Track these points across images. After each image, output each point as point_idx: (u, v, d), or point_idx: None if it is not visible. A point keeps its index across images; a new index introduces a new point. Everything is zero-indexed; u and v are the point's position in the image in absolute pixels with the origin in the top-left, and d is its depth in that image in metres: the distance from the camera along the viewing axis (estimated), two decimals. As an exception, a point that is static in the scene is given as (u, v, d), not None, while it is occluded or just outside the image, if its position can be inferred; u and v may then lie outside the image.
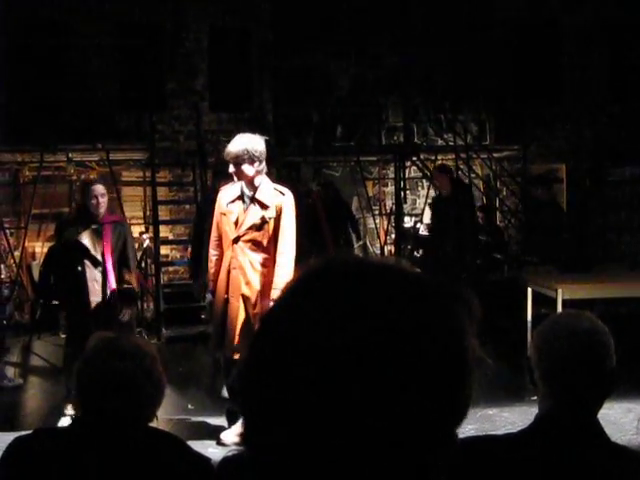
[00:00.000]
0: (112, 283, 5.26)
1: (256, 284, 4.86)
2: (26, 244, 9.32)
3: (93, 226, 5.29)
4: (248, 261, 4.86)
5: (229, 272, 4.89)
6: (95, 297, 5.20)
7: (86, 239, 5.23)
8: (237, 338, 4.89)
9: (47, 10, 9.51)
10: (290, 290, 0.82)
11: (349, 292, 0.76)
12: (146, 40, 9.53)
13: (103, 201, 5.34)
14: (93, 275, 5.23)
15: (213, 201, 5.18)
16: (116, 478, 1.81)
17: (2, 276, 8.84)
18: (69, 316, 5.39)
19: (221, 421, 5.24)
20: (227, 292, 4.92)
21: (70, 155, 9.36)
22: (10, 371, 6.99)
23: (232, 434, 5.09)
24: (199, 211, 5.58)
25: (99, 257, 5.24)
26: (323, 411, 0.73)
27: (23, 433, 2.00)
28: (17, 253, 9.20)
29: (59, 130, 8.86)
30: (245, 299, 4.87)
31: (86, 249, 5.21)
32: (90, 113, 9.30)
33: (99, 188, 5.38)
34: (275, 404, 0.75)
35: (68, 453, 1.82)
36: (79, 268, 5.21)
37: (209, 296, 5.08)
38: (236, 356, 4.93)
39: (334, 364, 0.73)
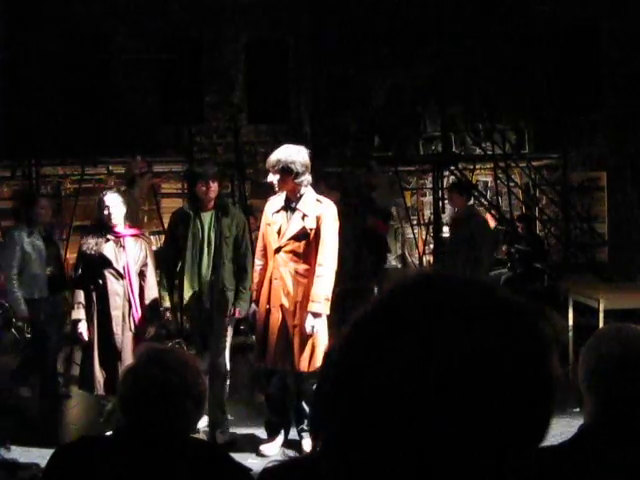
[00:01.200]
0: (134, 297, 5.18)
1: (296, 295, 4.85)
2: (68, 255, 9.44)
3: (111, 238, 5.19)
4: (289, 272, 4.85)
5: (271, 282, 4.90)
6: (116, 311, 5.12)
7: (108, 252, 5.16)
8: (277, 349, 4.89)
9: (87, 25, 9.66)
10: (378, 307, 0.81)
11: (439, 312, 0.75)
12: (185, 54, 9.64)
13: (115, 212, 5.17)
14: (115, 289, 5.14)
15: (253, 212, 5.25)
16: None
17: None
18: (90, 329, 5.31)
19: (260, 432, 5.24)
20: (269, 302, 4.92)
21: (110, 168, 9.49)
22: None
23: (272, 445, 5.09)
24: (172, 233, 5.49)
25: (121, 270, 5.15)
26: (409, 431, 0.72)
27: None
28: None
29: (100, 143, 8.99)
30: (284, 310, 4.87)
31: (108, 262, 5.13)
32: (130, 126, 9.42)
33: (110, 199, 5.21)
34: (361, 421, 0.74)
35: (111, 462, 1.83)
36: (100, 281, 5.15)
37: (253, 306, 5.07)
38: (277, 367, 4.92)
39: (423, 386, 0.72)
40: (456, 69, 10.51)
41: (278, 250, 4.87)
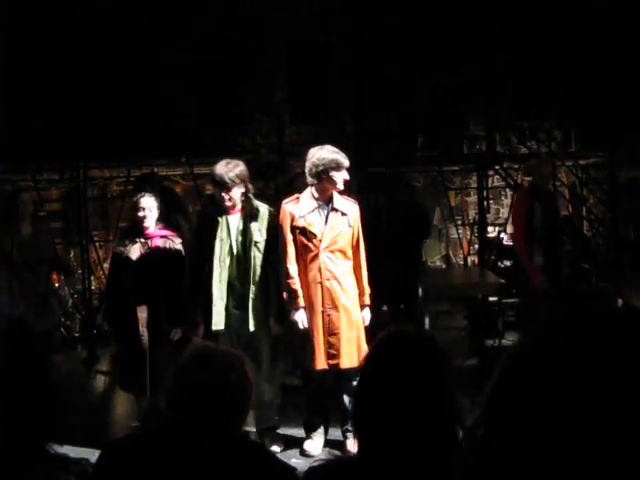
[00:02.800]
0: (161, 300, 5.17)
1: (352, 291, 4.94)
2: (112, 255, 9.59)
3: (140, 240, 5.21)
4: (340, 270, 4.91)
5: (321, 284, 4.89)
6: (142, 313, 5.13)
7: (134, 254, 5.15)
8: (344, 347, 4.89)
9: (130, 29, 9.77)
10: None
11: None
12: (227, 55, 9.70)
13: (150, 214, 5.19)
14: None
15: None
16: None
17: (92, 287, 9.10)
18: (118, 332, 5.33)
19: (296, 431, 5.27)
20: (323, 304, 4.91)
21: (155, 170, 9.59)
22: (100, 380, 7.20)
23: (315, 444, 5.09)
24: (197, 237, 5.32)
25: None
26: None
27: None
28: (106, 265, 9.46)
29: (145, 145, 9.10)
30: (345, 308, 4.90)
31: (135, 263, 5.13)
32: (174, 128, 9.51)
33: (145, 201, 5.23)
34: None
35: (157, 460, 1.85)
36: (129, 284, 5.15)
37: (299, 313, 4.98)
38: (346, 365, 4.90)
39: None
40: (500, 67, 10.40)
41: (323, 251, 4.89)
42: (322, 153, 4.92)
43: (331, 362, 4.91)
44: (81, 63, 9.38)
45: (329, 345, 4.90)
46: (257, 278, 4.98)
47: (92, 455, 3.58)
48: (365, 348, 4.78)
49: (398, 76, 10.58)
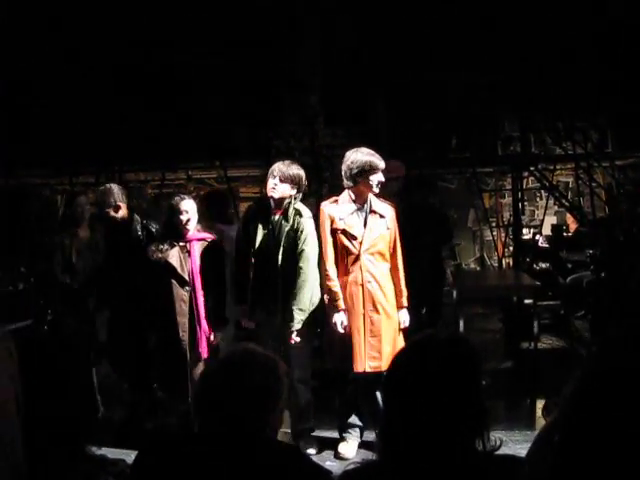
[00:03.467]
0: (200, 304, 5.15)
1: (390, 293, 4.94)
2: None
3: (178, 244, 5.18)
4: (380, 272, 4.91)
5: (362, 286, 4.90)
6: (182, 317, 5.10)
7: (173, 257, 5.12)
8: (385, 350, 4.89)
9: (164, 32, 9.86)
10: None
11: None
12: (260, 58, 9.74)
13: (189, 218, 5.17)
14: (180, 295, 5.12)
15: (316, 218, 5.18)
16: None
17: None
18: (157, 337, 5.34)
19: (330, 433, 5.27)
20: (364, 306, 4.91)
21: (190, 173, 9.68)
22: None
23: (349, 447, 5.09)
24: (245, 229, 5.36)
25: (186, 276, 5.12)
26: None
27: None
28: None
29: (179, 149, 9.18)
30: (385, 310, 4.91)
31: (173, 268, 5.12)
32: (208, 131, 9.58)
33: (186, 204, 5.20)
34: None
35: (191, 461, 1.87)
36: (166, 287, 5.12)
37: (340, 315, 4.97)
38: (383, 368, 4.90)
39: None
40: (535, 67, 10.30)
41: (363, 253, 4.90)
42: (357, 156, 4.91)
43: (372, 364, 4.91)
44: (116, 68, 9.49)
45: (371, 348, 4.90)
46: (295, 278, 5.00)
47: (127, 456, 3.62)
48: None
49: (431, 77, 10.54)
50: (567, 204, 10.05)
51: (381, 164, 4.89)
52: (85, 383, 1.73)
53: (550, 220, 10.75)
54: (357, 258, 4.89)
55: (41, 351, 1.77)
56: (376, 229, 4.90)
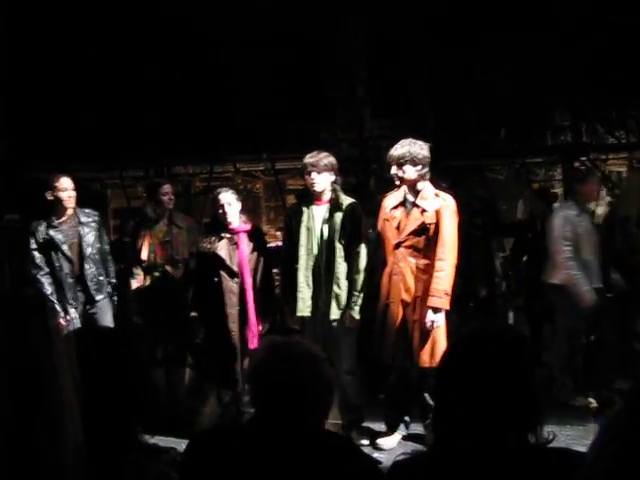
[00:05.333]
0: (249, 295, 5.20)
1: (416, 290, 4.85)
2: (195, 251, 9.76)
3: (226, 236, 5.26)
4: (409, 267, 4.85)
5: (390, 278, 4.89)
6: (231, 309, 5.17)
7: (222, 250, 5.19)
8: (394, 344, 4.88)
9: (210, 26, 9.91)
10: None
11: None
12: (307, 50, 9.74)
13: (230, 210, 5.22)
14: (229, 286, 5.18)
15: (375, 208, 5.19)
16: (289, 478, 1.85)
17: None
18: (206, 328, 5.39)
19: (378, 426, 5.27)
20: (388, 297, 4.91)
21: (237, 165, 9.73)
22: (185, 372, 7.34)
23: (390, 439, 5.09)
24: (288, 228, 5.30)
25: (235, 268, 5.18)
26: None
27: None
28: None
29: (227, 141, 9.23)
30: (405, 305, 4.86)
31: (222, 260, 5.17)
32: (256, 124, 9.61)
33: (225, 197, 5.26)
34: None
35: (243, 452, 1.88)
36: (215, 279, 5.19)
37: (379, 306, 4.99)
38: (397, 362, 4.90)
39: None
40: (585, 54, 10.10)
41: (398, 245, 4.86)
42: (425, 148, 4.88)
43: (389, 356, 4.91)
44: (164, 62, 9.58)
45: (390, 339, 4.89)
46: (340, 269, 5.00)
47: (178, 445, 3.67)
48: (441, 348, 4.74)
49: (479, 67, 10.42)
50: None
51: (392, 154, 4.81)
52: (138, 373, 1.75)
53: (602, 211, 10.54)
54: (393, 250, 4.89)
55: (99, 339, 1.79)
56: (413, 223, 4.84)
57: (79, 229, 5.65)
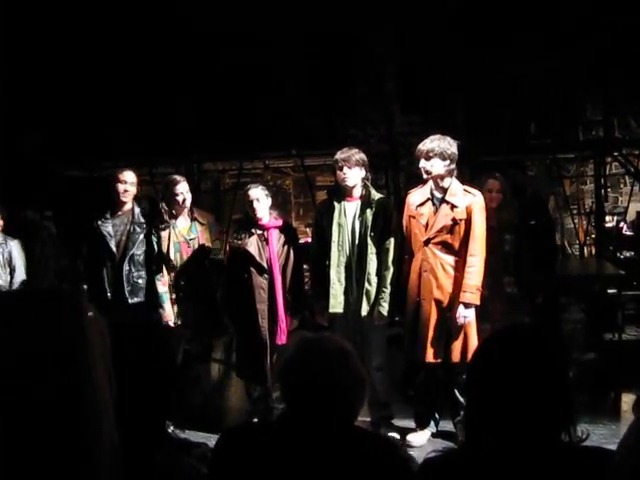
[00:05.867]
0: (279, 291, 5.21)
1: (448, 287, 4.82)
2: (227, 248, 9.80)
3: (256, 232, 5.26)
4: (439, 264, 4.82)
5: (420, 275, 4.87)
6: (261, 305, 5.18)
7: (251, 246, 5.20)
8: (430, 342, 4.86)
9: (240, 24, 9.94)
10: None
11: None
12: (336, 46, 9.73)
13: (259, 206, 5.21)
14: (259, 282, 5.19)
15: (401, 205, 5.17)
16: (321, 474, 1.85)
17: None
18: (237, 323, 5.41)
19: (407, 423, 5.26)
20: (419, 295, 4.89)
21: (267, 162, 9.76)
22: (214, 367, 7.39)
23: (419, 436, 5.08)
24: (318, 224, 5.26)
25: (265, 264, 5.19)
26: None
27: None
28: (220, 256, 9.69)
29: (256, 138, 9.26)
30: (437, 302, 4.84)
31: (252, 256, 5.19)
32: (284, 120, 9.63)
33: (255, 192, 5.26)
34: None
35: (274, 448, 1.88)
36: (245, 275, 5.21)
37: (408, 304, 4.98)
38: (429, 360, 4.88)
39: None
40: (617, 48, 9.97)
41: (427, 242, 4.84)
42: (454, 144, 4.87)
43: (420, 354, 4.89)
44: (196, 60, 9.63)
45: (422, 337, 4.86)
46: (370, 265, 5.00)
47: (208, 440, 3.69)
48: (472, 344, 4.72)
49: (510, 61, 10.33)
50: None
51: (421, 149, 4.79)
52: (170, 369, 1.78)
53: (635, 207, 10.40)
54: (421, 247, 4.86)
55: (134, 335, 1.81)
56: (444, 220, 4.82)
57: (130, 227, 5.58)
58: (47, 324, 1.00)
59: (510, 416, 1.65)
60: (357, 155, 5.06)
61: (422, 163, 4.81)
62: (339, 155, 5.07)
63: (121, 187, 5.50)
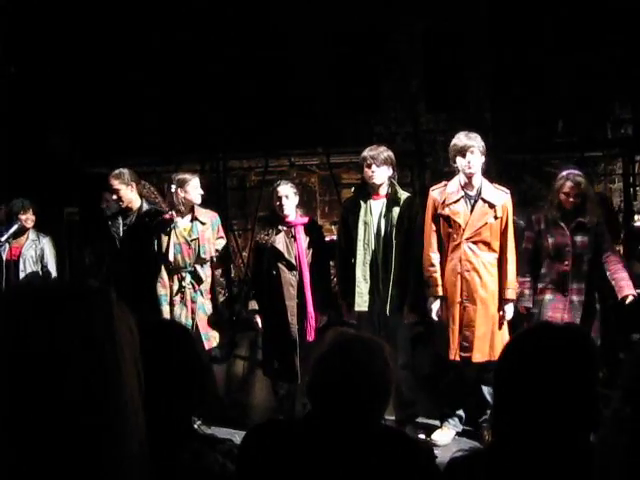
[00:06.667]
0: (307, 287, 5.21)
1: (491, 285, 4.82)
2: (252, 245, 9.83)
3: (283, 228, 5.25)
4: (481, 262, 4.81)
5: (461, 275, 4.83)
6: (290, 301, 5.19)
7: (280, 243, 5.21)
8: (477, 341, 4.82)
9: (265, 23, 9.95)
10: None
11: None
12: (361, 43, 9.71)
13: (287, 202, 5.20)
14: (288, 279, 5.19)
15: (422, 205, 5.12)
16: (348, 473, 1.85)
17: (232, 275, 9.37)
18: (265, 320, 5.42)
19: (432, 421, 5.24)
20: (461, 295, 4.85)
21: (292, 159, 9.76)
22: (239, 364, 7.41)
23: (445, 434, 5.06)
24: (344, 222, 5.27)
25: (293, 261, 5.20)
26: None
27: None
28: (245, 253, 9.73)
29: (282, 135, 9.26)
30: (482, 301, 4.82)
31: (280, 253, 5.20)
32: (311, 118, 9.62)
33: (283, 189, 5.24)
34: None
35: (301, 445, 1.88)
36: (274, 272, 5.22)
37: (435, 302, 4.95)
38: (477, 360, 4.84)
39: None
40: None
41: (466, 241, 4.82)
42: (453, 140, 4.86)
43: (464, 355, 4.85)
44: (219, 57, 9.65)
45: (463, 337, 4.83)
46: (397, 263, 4.98)
47: (232, 436, 3.71)
48: (501, 343, 4.70)
49: (536, 59, 10.24)
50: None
51: (466, 144, 4.75)
52: (201, 365, 1.79)
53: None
54: (458, 246, 4.82)
55: (162, 332, 1.82)
56: (482, 218, 4.79)
57: (133, 227, 5.64)
58: (77, 320, 1.01)
59: (538, 416, 1.64)
60: (385, 153, 5.05)
61: (460, 160, 4.79)
62: (367, 152, 5.05)
63: (107, 195, 5.65)
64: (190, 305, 5.39)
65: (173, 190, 5.46)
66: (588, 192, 5.20)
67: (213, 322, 5.55)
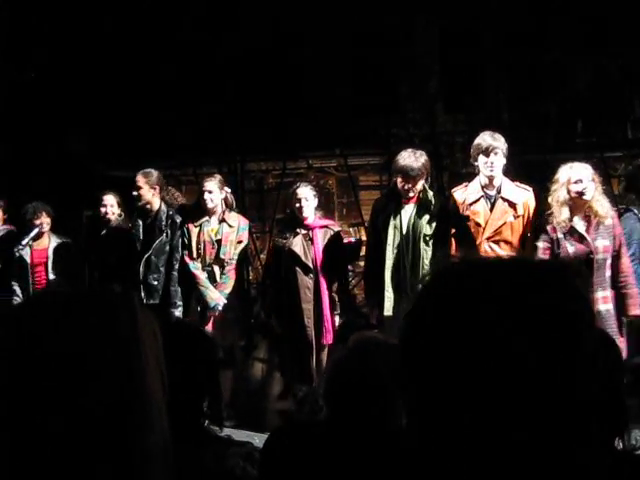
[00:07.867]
0: (324, 290, 5.21)
1: None
2: (270, 247, 9.83)
3: (302, 231, 5.25)
4: None
5: None
6: (307, 304, 5.18)
7: (297, 245, 5.21)
8: None
9: (284, 25, 9.96)
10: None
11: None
12: (379, 45, 9.69)
13: (306, 205, 5.21)
14: (305, 282, 5.19)
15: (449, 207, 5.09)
16: (369, 476, 1.84)
17: (250, 277, 9.37)
18: (281, 322, 5.41)
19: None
20: None
21: (310, 162, 9.76)
22: (258, 367, 7.41)
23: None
24: (374, 224, 5.23)
25: (310, 264, 5.19)
26: None
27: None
28: (263, 256, 9.73)
29: (299, 138, 9.27)
30: None
31: (297, 256, 5.20)
32: (328, 120, 9.62)
33: (303, 191, 5.26)
34: None
35: (324, 448, 1.88)
36: (290, 275, 5.22)
37: None
38: None
39: None
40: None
41: (486, 240, 4.80)
42: (475, 139, 4.84)
43: None
44: (235, 60, 9.68)
45: None
46: (425, 267, 4.94)
47: (252, 439, 3.70)
48: None
49: (555, 59, 10.18)
50: None
51: (492, 144, 4.72)
52: (213, 368, 1.80)
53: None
54: (479, 245, 4.81)
55: (182, 334, 1.83)
56: (503, 217, 4.78)
57: (151, 231, 5.73)
58: (102, 325, 1.01)
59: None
60: (419, 163, 4.86)
61: (483, 160, 4.76)
62: (403, 162, 4.86)
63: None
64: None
65: (229, 191, 5.67)
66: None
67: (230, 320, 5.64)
